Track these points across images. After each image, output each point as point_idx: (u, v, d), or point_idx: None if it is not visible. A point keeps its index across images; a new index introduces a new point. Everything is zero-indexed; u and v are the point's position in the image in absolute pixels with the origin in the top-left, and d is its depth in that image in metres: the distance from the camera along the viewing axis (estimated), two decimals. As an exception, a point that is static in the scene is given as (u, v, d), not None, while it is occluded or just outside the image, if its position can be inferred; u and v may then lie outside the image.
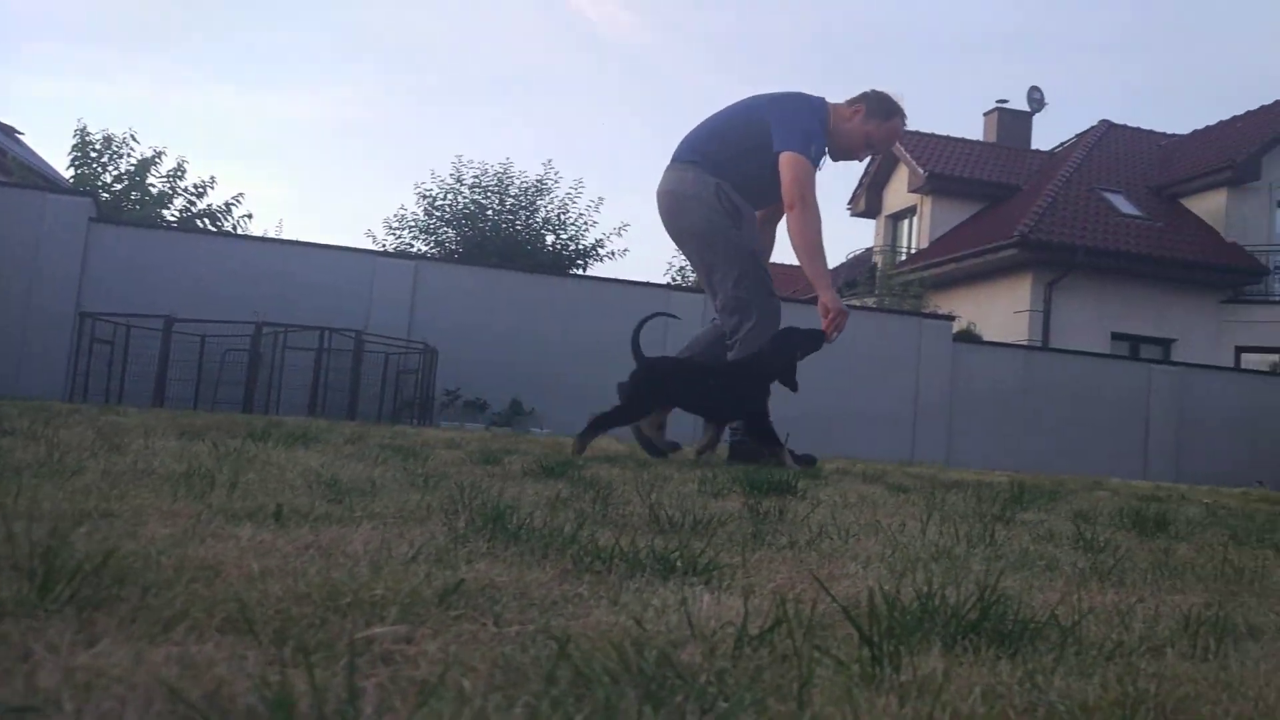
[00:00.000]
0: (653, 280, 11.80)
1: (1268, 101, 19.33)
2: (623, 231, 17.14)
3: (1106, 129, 21.27)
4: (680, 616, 0.82)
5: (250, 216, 16.74)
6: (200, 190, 15.11)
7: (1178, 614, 1.12)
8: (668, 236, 4.58)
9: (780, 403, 10.59)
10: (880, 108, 4.37)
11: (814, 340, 4.16)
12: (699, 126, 4.42)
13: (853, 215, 23.51)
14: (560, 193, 16.61)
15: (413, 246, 16.19)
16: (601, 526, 1.48)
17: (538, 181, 16.45)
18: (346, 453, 2.59)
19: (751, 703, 0.58)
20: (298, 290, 9.15)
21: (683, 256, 16.84)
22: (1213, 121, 20.65)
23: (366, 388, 8.62)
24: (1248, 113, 19.57)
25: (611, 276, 11.55)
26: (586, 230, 16.65)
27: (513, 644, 0.71)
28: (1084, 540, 1.94)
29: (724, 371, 4.28)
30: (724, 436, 4.54)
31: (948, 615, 0.90)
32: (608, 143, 69.23)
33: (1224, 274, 16.85)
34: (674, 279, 16.51)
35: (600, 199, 17.11)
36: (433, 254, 15.72)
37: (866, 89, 4.42)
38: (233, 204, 15.26)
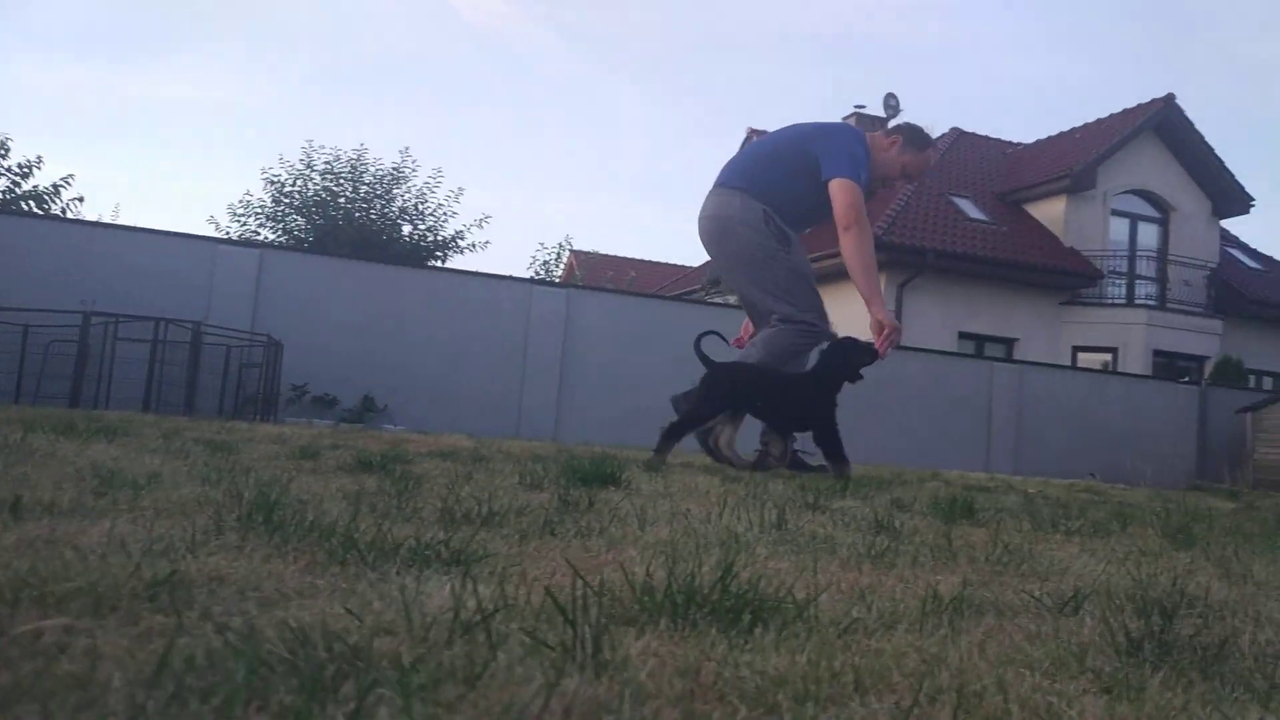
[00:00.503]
0: (515, 274, 11.64)
1: (1104, 115, 20.59)
2: (484, 223, 16.88)
3: (957, 136, 22.23)
4: (410, 605, 0.81)
5: (81, 200, 15.79)
6: (25, 171, 14.21)
7: (926, 592, 1.18)
8: (711, 258, 4.69)
9: (640, 397, 10.57)
10: (916, 139, 4.60)
11: (870, 355, 4.30)
12: (744, 153, 4.62)
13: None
14: (418, 182, 16.25)
15: (259, 235, 15.53)
16: (390, 520, 1.45)
17: (394, 170, 16.03)
18: (152, 447, 2.47)
19: (419, 686, 0.58)
20: (131, 279, 8.67)
21: (545, 255, 16.90)
22: (1055, 132, 21.88)
23: (206, 382, 8.21)
24: (1085, 125, 20.76)
25: (471, 269, 11.36)
26: (445, 221, 16.36)
27: (191, 636, 0.69)
28: (880, 525, 2.03)
29: (793, 380, 4.35)
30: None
31: (687, 596, 0.92)
32: (471, 133, 68.30)
33: (1062, 277, 17.81)
34: (537, 273, 16.37)
35: (460, 189, 16.77)
36: (280, 243, 15.12)
37: (901, 122, 4.73)
38: (62, 186, 14.41)
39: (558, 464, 3.07)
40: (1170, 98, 18.99)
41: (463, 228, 16.57)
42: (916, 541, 1.81)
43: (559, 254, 16.35)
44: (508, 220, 65.90)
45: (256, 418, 8.12)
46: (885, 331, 4.29)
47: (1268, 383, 18.71)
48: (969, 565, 1.55)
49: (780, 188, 4.34)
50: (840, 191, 4.21)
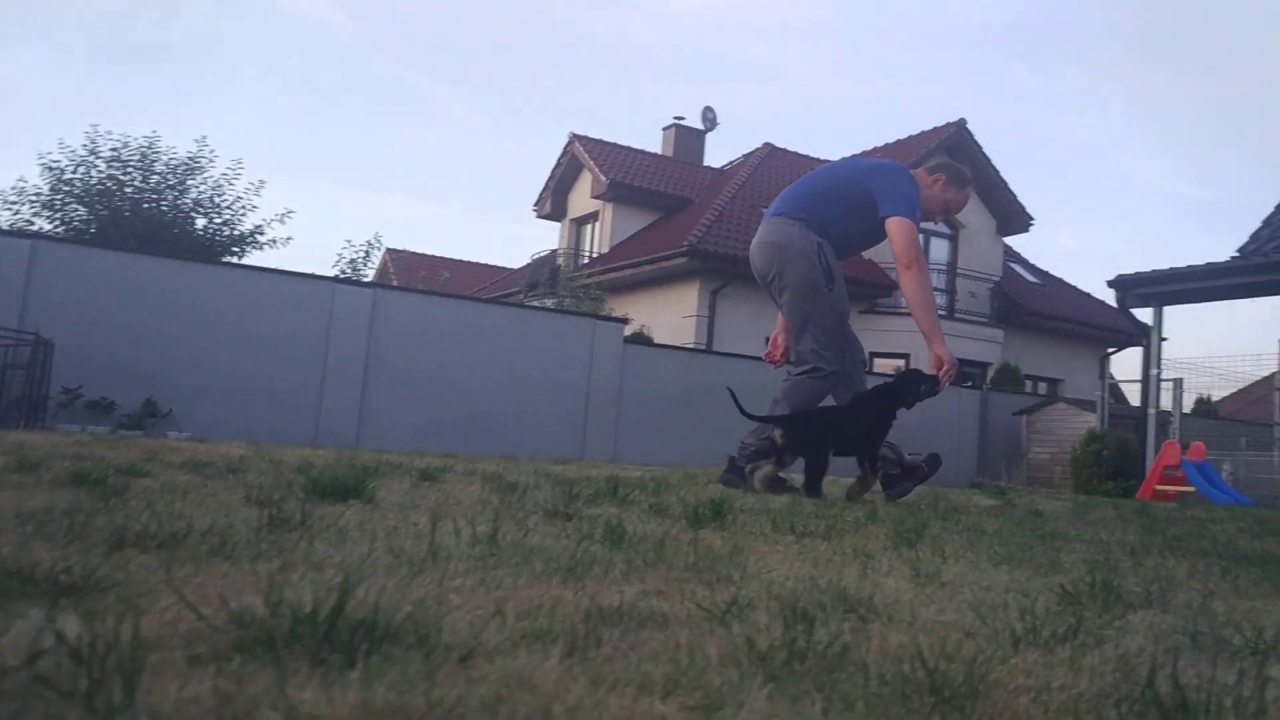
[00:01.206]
0: (318, 273, 11.22)
1: (903, 136, 21.83)
2: (286, 218, 16.10)
3: (769, 151, 23.05)
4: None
5: None
6: None
7: (585, 607, 1.21)
8: (762, 283, 4.88)
9: (451, 403, 10.37)
10: (957, 178, 4.96)
11: (932, 386, 4.45)
12: (801, 185, 4.85)
13: (538, 217, 23.87)
14: (215, 173, 15.39)
15: (33, 224, 14.30)
16: (49, 542, 1.38)
17: (189, 159, 15.09)
18: None
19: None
20: None
21: (352, 253, 16.28)
22: (858, 151, 23.02)
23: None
24: (886, 145, 21.94)
25: (271, 266, 10.86)
26: (244, 215, 15.58)
27: None
28: (611, 533, 2.08)
29: (857, 411, 4.49)
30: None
31: (294, 625, 0.91)
32: (277, 124, 65.54)
33: (862, 287, 18.69)
34: (344, 271, 15.80)
35: (261, 182, 15.90)
36: (57, 233, 13.99)
37: (940, 161, 5.16)
38: None
39: (314, 474, 2.98)
40: (962, 122, 20.35)
41: (263, 222, 15.80)
42: (632, 550, 1.86)
43: (368, 252, 15.82)
44: (315, 216, 63.60)
45: (21, 424, 7.50)
46: (946, 366, 4.49)
47: (1042, 387, 20.33)
48: (664, 573, 1.61)
49: (835, 222, 4.63)
50: (900, 230, 4.50)
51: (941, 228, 20.49)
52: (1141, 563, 2.41)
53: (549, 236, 35.23)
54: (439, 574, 1.43)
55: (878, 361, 18.77)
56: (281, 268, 10.54)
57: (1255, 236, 11.08)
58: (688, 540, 2.11)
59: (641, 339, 14.23)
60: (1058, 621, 1.40)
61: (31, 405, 7.81)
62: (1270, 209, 11.50)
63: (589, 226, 22.75)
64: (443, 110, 75.03)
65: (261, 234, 15.67)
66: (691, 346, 16.54)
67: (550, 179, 23.37)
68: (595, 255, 21.54)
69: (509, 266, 28.63)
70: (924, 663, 1.04)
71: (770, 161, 22.58)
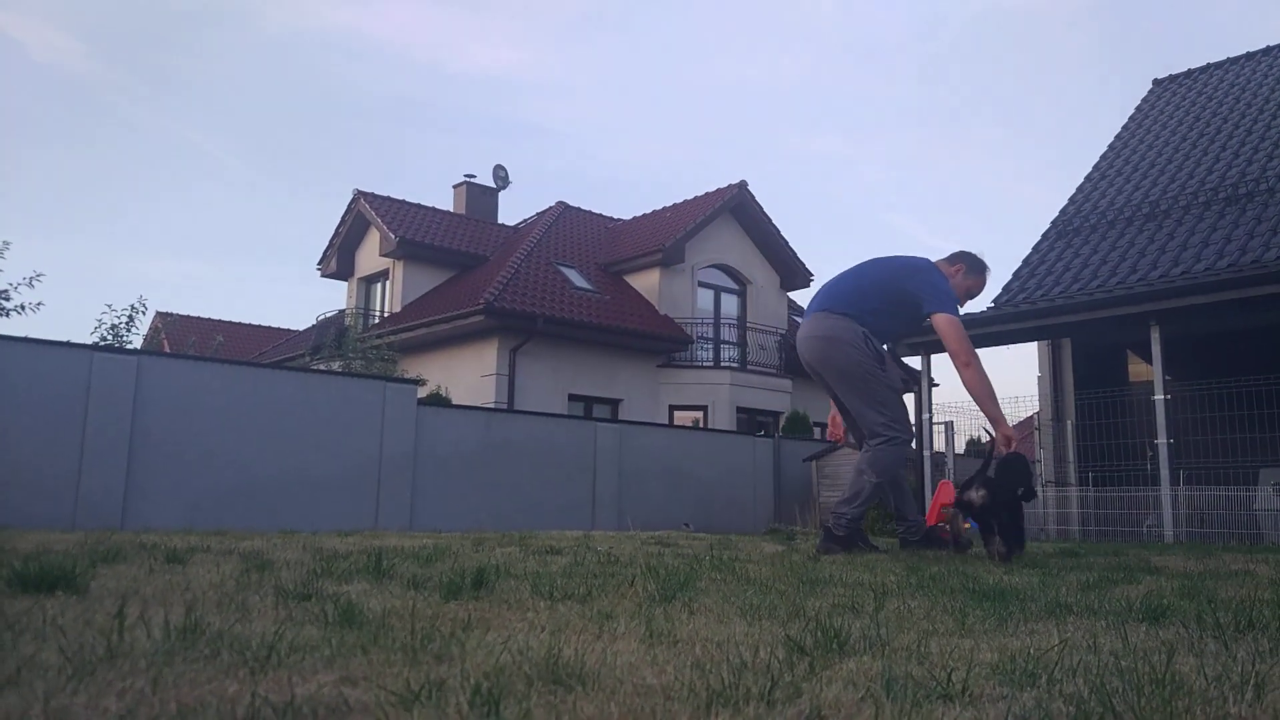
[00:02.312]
0: (74, 340, 10.37)
1: (690, 196, 22.64)
2: (35, 282, 14.79)
3: (563, 210, 23.35)
4: None
5: None
6: None
7: (247, 703, 1.12)
8: (813, 373, 5.33)
9: (227, 476, 9.75)
10: (975, 266, 5.34)
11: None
12: (841, 283, 5.27)
13: (323, 276, 23.09)
14: (-48, 233, 14.17)
15: None
16: None
17: (-74, 222, 13.86)
18: None
19: None
20: None
21: (113, 318, 15.16)
22: (649, 210, 23.70)
23: None
24: (675, 205, 22.68)
25: (16, 335, 9.95)
26: (-14, 279, 14.23)
27: None
28: (346, 614, 1.97)
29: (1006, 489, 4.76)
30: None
31: None
32: (26, 181, 61.06)
33: (658, 342, 19.14)
34: (104, 337, 14.69)
35: (6, 242, 14.61)
36: None
37: (958, 250, 5.41)
38: None
39: (29, 563, 2.70)
40: (743, 183, 21.32)
41: (9, 286, 14.48)
42: (356, 631, 1.76)
43: (131, 316, 14.77)
44: (72, 281, 59.38)
45: None
46: (1012, 444, 4.87)
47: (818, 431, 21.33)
48: (373, 657, 1.53)
49: (877, 315, 5.10)
50: (950, 329, 4.90)
51: (730, 283, 21.32)
52: (883, 605, 2.49)
53: (336, 296, 34.22)
54: (108, 675, 1.29)
55: (677, 415, 19.19)
56: (30, 335, 9.69)
57: (1006, 288, 12.08)
58: (423, 616, 2.03)
59: (438, 399, 13.95)
60: (764, 676, 1.41)
61: None
62: (1018, 264, 12.61)
63: (379, 285, 22.22)
64: (219, 168, 71.98)
65: (8, 299, 14.34)
66: (492, 406, 16.37)
67: (335, 236, 22.69)
68: (386, 315, 21.05)
69: (293, 328, 27.57)
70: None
71: (565, 219, 22.89)
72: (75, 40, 57.26)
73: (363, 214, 21.93)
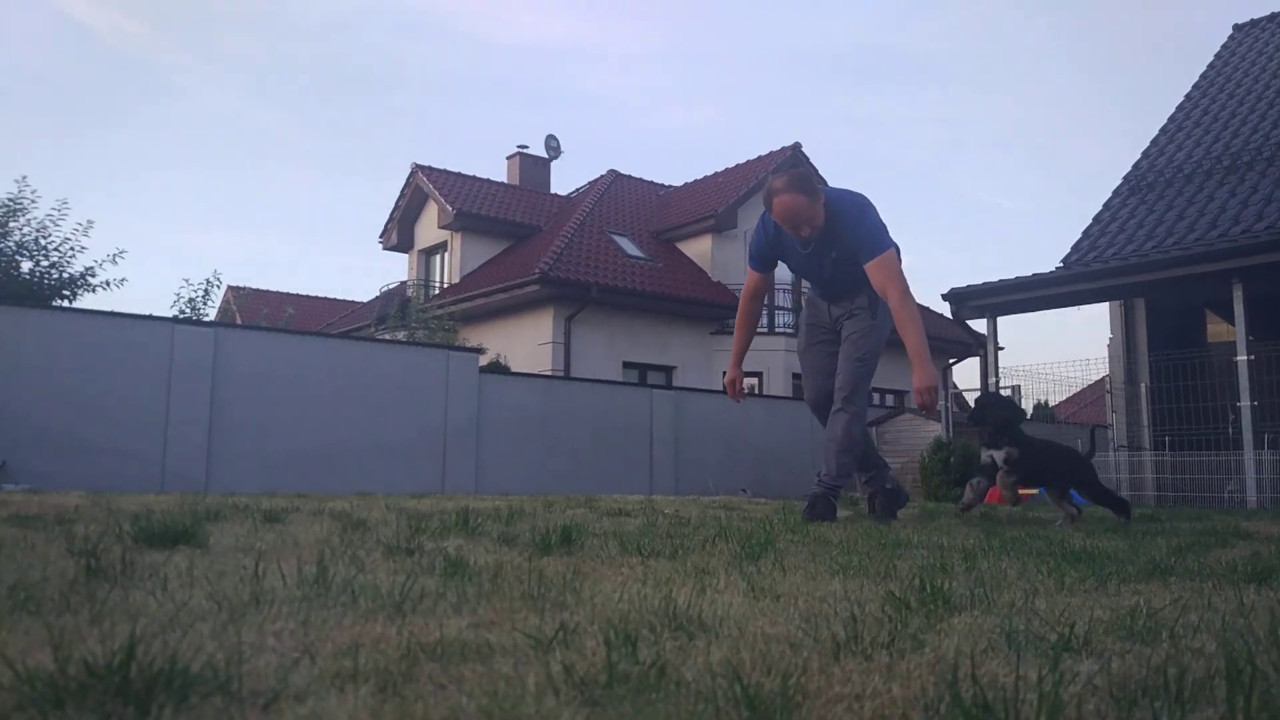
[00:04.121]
0: (156, 314, 10.70)
1: (742, 161, 22.45)
2: (118, 259, 15.36)
3: (615, 178, 23.34)
4: None
5: None
6: None
7: (408, 643, 1.19)
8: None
9: (302, 442, 9.92)
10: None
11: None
12: None
13: (385, 249, 23.43)
14: (39, 214, 14.62)
15: None
16: None
17: (10, 200, 14.31)
18: None
19: None
20: None
21: (190, 292, 15.61)
22: (701, 176, 23.57)
23: None
24: (727, 169, 22.55)
25: (104, 309, 10.33)
26: (73, 257, 14.81)
27: None
28: (455, 565, 2.04)
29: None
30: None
31: (88, 678, 0.87)
32: (107, 163, 62.60)
33: (711, 309, 19.11)
34: (183, 311, 15.17)
35: (90, 222, 15.14)
36: None
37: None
38: None
39: (143, 522, 2.83)
40: (797, 145, 21.09)
41: (94, 264, 15.04)
42: (470, 582, 1.83)
43: (207, 290, 15.23)
44: (152, 257, 60.85)
45: None
46: (933, 396, 4.65)
47: (889, 399, 21.11)
48: (497, 603, 1.59)
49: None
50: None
51: (788, 249, 21.15)
52: (974, 565, 2.51)
53: (398, 268, 34.67)
54: (259, 619, 1.37)
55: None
56: (116, 310, 10.03)
57: (1076, 248, 11.83)
58: (528, 569, 2.10)
59: (498, 368, 14.12)
60: (880, 628, 1.44)
61: None
62: (1088, 221, 12.33)
63: (438, 257, 22.48)
64: (282, 145, 72.96)
65: (93, 276, 14.91)
66: (549, 374, 16.51)
67: (395, 210, 23.01)
68: (446, 286, 21.28)
69: (357, 300, 28.01)
70: (739, 677, 1.06)
71: (616, 187, 22.88)
72: (141, 24, 58.24)
73: (421, 187, 22.16)
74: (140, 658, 0.94)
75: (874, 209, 4.71)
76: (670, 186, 24.18)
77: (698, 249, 20.48)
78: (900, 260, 5.04)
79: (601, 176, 23.79)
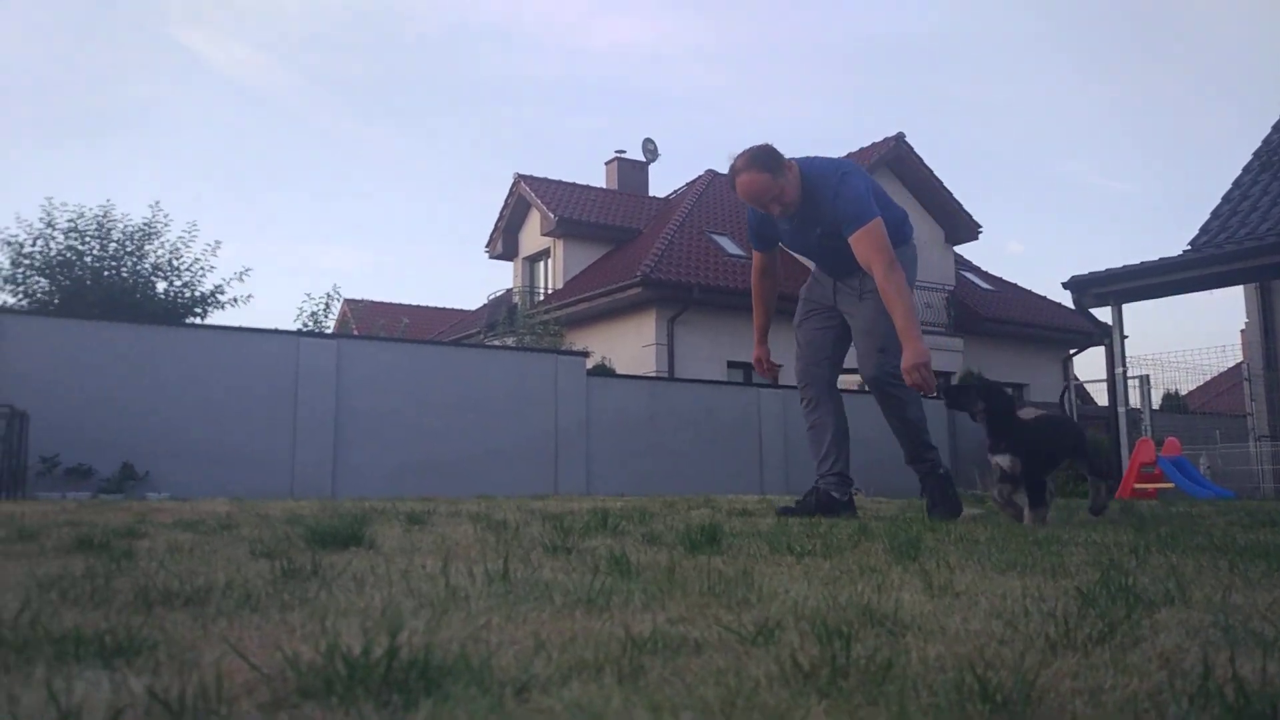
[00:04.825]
0: (281, 328, 11.15)
1: (843, 154, 22.13)
2: (244, 276, 16.14)
3: (712, 177, 23.28)
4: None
5: None
6: None
7: (619, 637, 1.21)
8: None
9: (421, 447, 10.15)
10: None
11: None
12: None
13: (491, 258, 23.92)
14: (171, 236, 15.43)
15: (-4, 299, 14.28)
16: (77, 607, 1.35)
17: (144, 225, 15.12)
18: None
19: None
20: None
21: (312, 306, 16.17)
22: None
23: (-59, 461, 7.48)
24: (829, 163, 22.25)
25: (233, 325, 10.81)
26: (203, 276, 15.56)
27: None
28: (615, 563, 2.07)
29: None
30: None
31: (350, 671, 0.91)
32: (228, 185, 65.39)
33: (820, 305, 18.88)
34: (305, 324, 15.75)
35: (218, 242, 15.97)
36: (21, 306, 13.94)
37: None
38: None
39: (307, 525, 2.95)
40: (900, 136, 20.68)
41: (222, 282, 15.82)
42: (642, 579, 1.86)
43: (327, 304, 15.83)
44: (273, 273, 63.34)
45: (2, 494, 7.41)
46: (923, 374, 4.25)
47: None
48: (681, 600, 1.61)
49: None
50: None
51: (894, 242, 20.75)
52: (1145, 561, 2.43)
53: (503, 276, 35.32)
54: (464, 613, 1.42)
55: (843, 378, 18.91)
56: (245, 325, 10.49)
57: (1205, 229, 11.34)
58: (694, 566, 2.11)
59: (604, 371, 14.24)
60: (1088, 624, 1.41)
61: (11, 475, 7.73)
62: (1216, 200, 11.79)
63: (541, 263, 22.81)
64: (390, 162, 75.07)
65: (222, 293, 15.68)
66: (654, 375, 16.57)
67: (499, 219, 23.47)
68: (550, 291, 21.57)
69: (465, 308, 28.58)
70: (973, 671, 1.05)
71: (714, 187, 22.82)
72: (249, 49, 60.67)
73: (523, 196, 22.53)
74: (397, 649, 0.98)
75: (857, 176, 4.39)
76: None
77: (799, 246, 20.29)
78: (912, 232, 4.70)
79: (699, 177, 23.78)
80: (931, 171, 20.89)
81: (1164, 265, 10.20)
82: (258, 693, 0.89)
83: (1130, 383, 10.74)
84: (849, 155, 21.68)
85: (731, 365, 18.27)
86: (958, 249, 22.27)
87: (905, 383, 4.19)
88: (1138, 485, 8.96)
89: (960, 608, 1.62)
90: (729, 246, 19.75)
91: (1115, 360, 10.59)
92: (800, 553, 2.53)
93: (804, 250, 4.67)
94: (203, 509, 4.57)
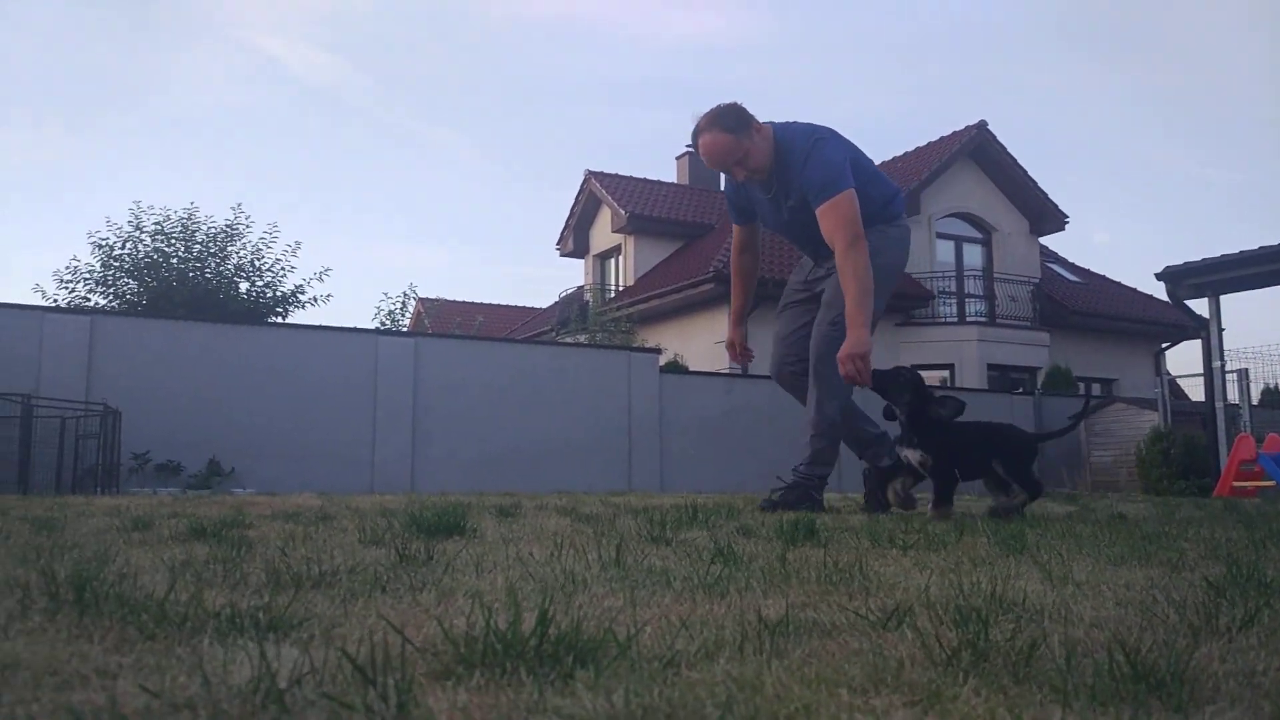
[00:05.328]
0: (360, 326, 11.39)
1: (922, 143, 21.76)
2: (324, 276, 16.53)
3: (787, 171, 23.04)
4: (212, 678, 0.79)
5: None
6: None
7: (751, 618, 1.21)
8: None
9: (497, 443, 10.26)
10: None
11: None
12: None
13: (562, 255, 24.04)
14: (253, 238, 15.87)
15: (89, 300, 14.86)
16: (216, 588, 1.40)
17: (228, 227, 15.58)
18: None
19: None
20: None
21: (389, 305, 16.59)
22: (878, 162, 22.91)
23: (41, 456, 7.78)
24: (906, 154, 21.87)
25: (314, 324, 11.07)
26: (284, 276, 15.96)
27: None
28: (720, 553, 2.07)
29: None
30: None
31: (505, 645, 0.92)
32: (307, 186, 67.00)
33: (897, 300, 18.61)
34: (383, 323, 16.09)
35: (298, 243, 16.44)
36: (112, 307, 14.47)
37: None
38: None
39: (405, 517, 3.01)
40: (983, 124, 20.22)
41: (303, 282, 16.24)
42: (753, 567, 1.85)
43: (404, 303, 16.15)
44: (350, 273, 64.67)
45: (97, 490, 7.70)
46: (860, 364, 4.01)
47: (1096, 388, 19.98)
48: (799, 587, 1.60)
49: None
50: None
51: (973, 232, 20.35)
52: (1265, 554, 2.35)
53: (574, 274, 35.55)
54: (589, 596, 1.43)
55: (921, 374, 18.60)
56: (326, 324, 10.73)
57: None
58: (801, 557, 2.10)
59: (677, 367, 14.23)
60: (1224, 612, 1.37)
61: (105, 472, 8.02)
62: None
63: (612, 260, 22.84)
64: (457, 158, 76.13)
65: (303, 293, 16.08)
66: (727, 371, 16.51)
67: (570, 217, 23.56)
68: (621, 289, 21.61)
69: (536, 306, 28.83)
70: (1122, 652, 1.03)
71: (790, 181, 22.59)
72: (324, 53, 62.09)
73: (594, 193, 22.59)
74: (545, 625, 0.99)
75: (833, 143, 4.03)
76: (846, 177, 23.64)
77: (877, 239, 19.98)
78: (902, 211, 4.37)
79: (772, 171, 23.59)
80: (1015, 160, 20.37)
81: (1264, 254, 9.81)
82: (418, 664, 0.91)
83: (1228, 377, 10.37)
84: (927, 145, 21.32)
85: (808, 361, 18.11)
86: (1043, 240, 21.70)
87: (841, 373, 3.89)
88: (1237, 483, 8.66)
89: (1085, 597, 1.59)
90: (803, 241, 19.56)
91: (1212, 354, 10.23)
92: (905, 546, 2.50)
93: (779, 227, 4.33)
94: (294, 502, 4.69)
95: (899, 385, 3.95)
